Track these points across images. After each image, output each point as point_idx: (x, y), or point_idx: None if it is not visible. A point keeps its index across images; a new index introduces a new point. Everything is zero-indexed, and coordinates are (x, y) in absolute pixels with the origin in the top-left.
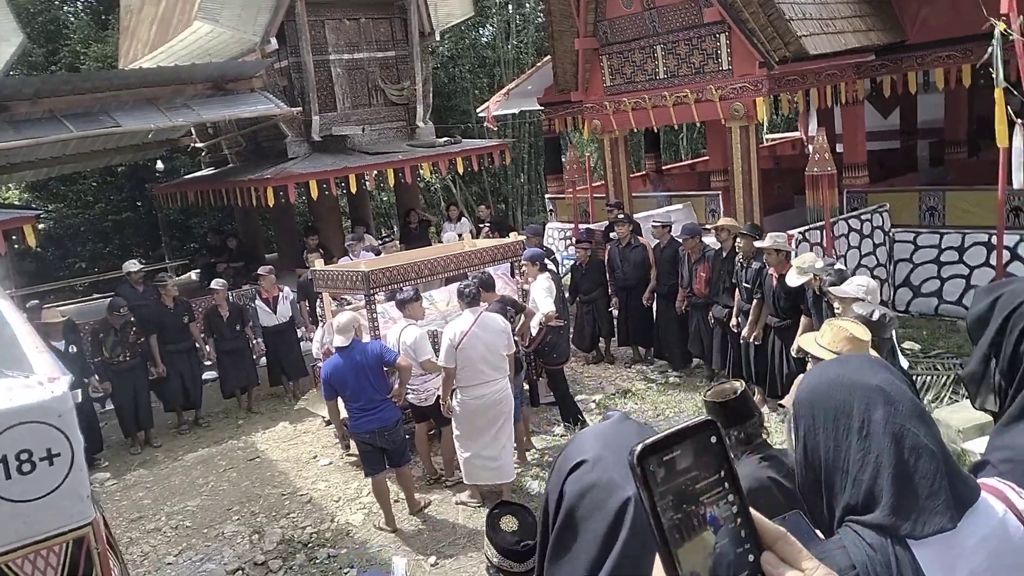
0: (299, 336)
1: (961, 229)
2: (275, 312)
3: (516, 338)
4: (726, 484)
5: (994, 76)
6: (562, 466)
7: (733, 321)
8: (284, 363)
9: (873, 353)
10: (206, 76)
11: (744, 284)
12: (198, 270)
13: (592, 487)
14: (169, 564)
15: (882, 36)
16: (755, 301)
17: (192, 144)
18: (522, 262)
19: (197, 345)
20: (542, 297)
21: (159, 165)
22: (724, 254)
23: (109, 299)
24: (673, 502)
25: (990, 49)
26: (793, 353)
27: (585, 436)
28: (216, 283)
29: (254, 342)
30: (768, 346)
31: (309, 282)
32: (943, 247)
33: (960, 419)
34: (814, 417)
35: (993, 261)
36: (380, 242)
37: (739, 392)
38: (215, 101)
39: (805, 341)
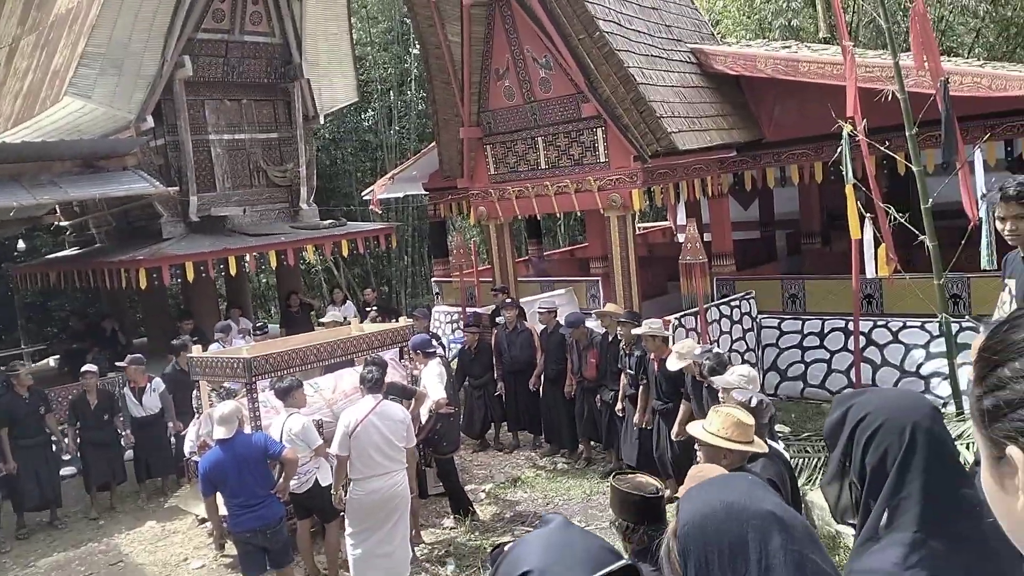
0: (168, 430)
1: (821, 315)
2: (141, 403)
3: None
4: None
5: (844, 173)
6: (505, 574)
7: (619, 405)
8: (150, 459)
9: (756, 439)
10: (76, 153)
11: (628, 370)
12: (57, 356)
13: None
14: None
15: (742, 134)
16: (641, 387)
17: (56, 222)
18: (409, 350)
19: (54, 439)
20: (434, 384)
21: (20, 244)
22: (610, 338)
23: None
24: None
25: (839, 148)
26: (672, 437)
27: (528, 545)
28: (88, 368)
29: (123, 434)
30: (655, 429)
31: (179, 372)
32: (805, 332)
33: None
34: (707, 554)
35: (851, 346)
36: (257, 329)
37: (659, 492)
38: (85, 179)
39: (693, 429)
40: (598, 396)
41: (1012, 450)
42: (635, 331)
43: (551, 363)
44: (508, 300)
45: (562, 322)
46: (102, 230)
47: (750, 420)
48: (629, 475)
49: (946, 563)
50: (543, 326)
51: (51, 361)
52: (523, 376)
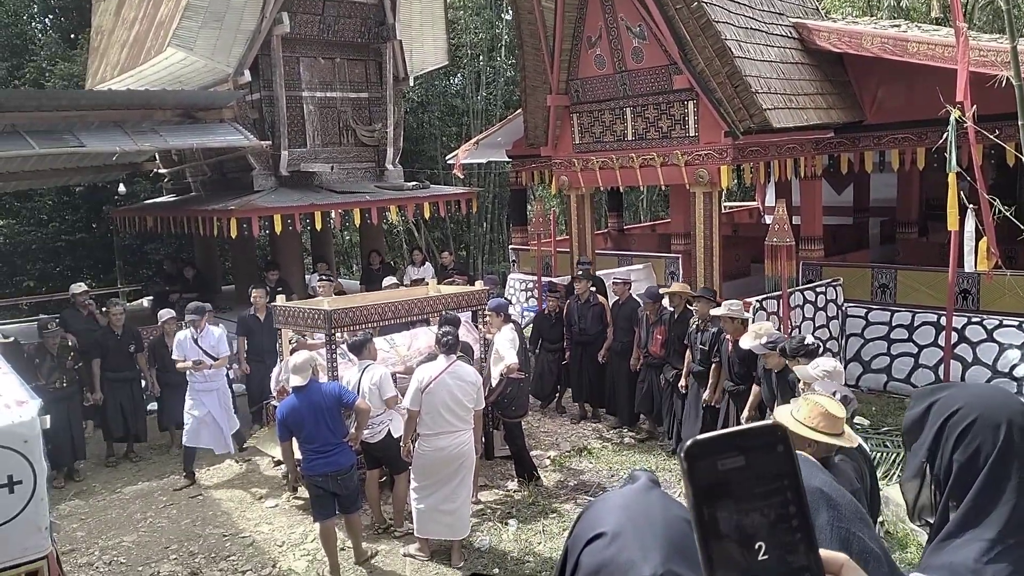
0: (228, 374)
1: (911, 308)
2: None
3: None
4: (788, 494)
5: (948, 161)
6: (581, 533)
7: (683, 381)
8: None
9: (847, 430)
10: (176, 103)
11: (699, 346)
12: (151, 297)
13: (609, 564)
14: None
15: (842, 115)
16: (714, 365)
17: (155, 169)
18: (486, 312)
19: (143, 377)
20: (506, 348)
21: (121, 188)
22: (676, 316)
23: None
24: (720, 503)
25: (945, 134)
26: (742, 420)
27: (608, 504)
28: (164, 313)
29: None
30: (724, 409)
31: (252, 317)
32: (893, 324)
33: None
34: None
35: (941, 341)
36: (320, 279)
37: None
38: (183, 128)
39: (780, 414)
40: (661, 374)
41: None
42: (714, 311)
43: (619, 335)
44: (579, 272)
45: (640, 293)
46: (198, 179)
47: (841, 412)
48: None
49: None
50: (615, 297)
51: (144, 302)
52: (591, 348)
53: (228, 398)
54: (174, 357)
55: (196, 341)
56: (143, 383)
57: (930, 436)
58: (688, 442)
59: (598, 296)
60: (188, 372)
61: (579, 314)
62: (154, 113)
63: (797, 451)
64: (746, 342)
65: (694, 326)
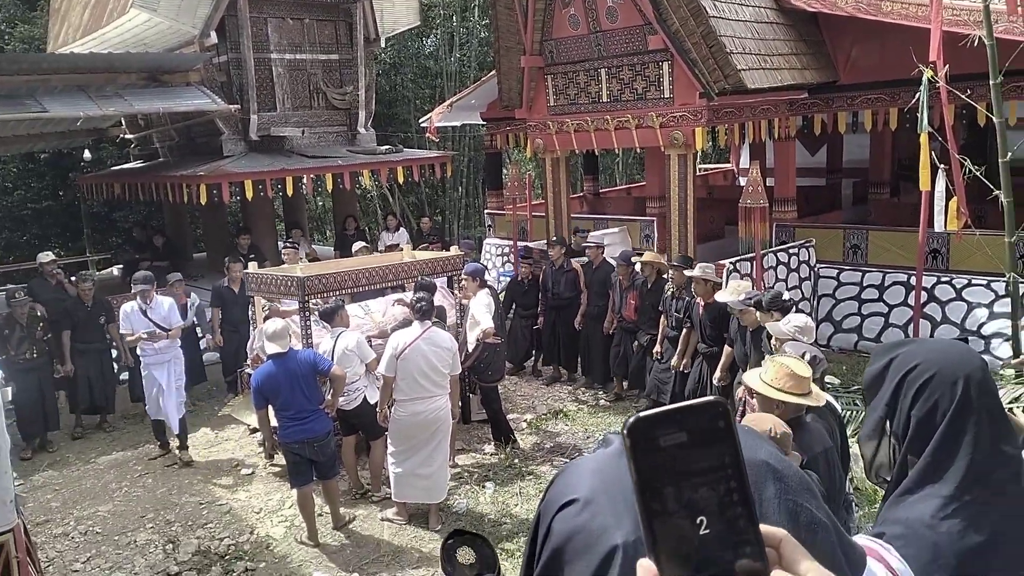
0: (200, 344)
1: (882, 268)
2: (184, 318)
3: None
4: (729, 470)
5: (919, 121)
6: (553, 499)
7: (657, 347)
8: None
9: (815, 389)
10: (142, 66)
11: (675, 313)
12: (121, 265)
13: (581, 531)
14: (76, 572)
15: (816, 75)
16: (685, 331)
17: (121, 135)
18: (462, 277)
19: (114, 347)
20: (482, 313)
21: (86, 154)
22: (649, 285)
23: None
24: (663, 479)
25: (917, 94)
26: (715, 381)
27: (580, 469)
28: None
29: None
30: (696, 371)
31: (226, 288)
32: (864, 284)
33: None
34: None
35: (911, 301)
36: (286, 246)
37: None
38: (149, 92)
39: (749, 378)
40: (635, 339)
41: None
42: (688, 272)
43: (593, 299)
44: (555, 238)
45: (615, 256)
46: (165, 145)
47: (806, 372)
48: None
49: (981, 516)
50: (588, 260)
51: (114, 270)
52: (565, 312)
53: (181, 371)
54: (122, 332)
55: (145, 313)
56: (114, 353)
57: (889, 391)
58: (630, 419)
59: (571, 262)
60: (139, 346)
61: (553, 279)
62: (118, 77)
63: (752, 421)
64: (724, 296)
65: (669, 292)
